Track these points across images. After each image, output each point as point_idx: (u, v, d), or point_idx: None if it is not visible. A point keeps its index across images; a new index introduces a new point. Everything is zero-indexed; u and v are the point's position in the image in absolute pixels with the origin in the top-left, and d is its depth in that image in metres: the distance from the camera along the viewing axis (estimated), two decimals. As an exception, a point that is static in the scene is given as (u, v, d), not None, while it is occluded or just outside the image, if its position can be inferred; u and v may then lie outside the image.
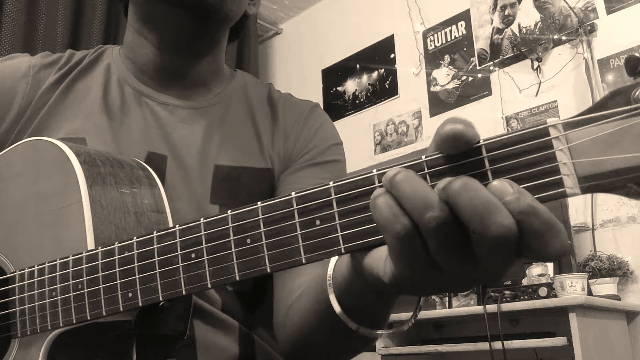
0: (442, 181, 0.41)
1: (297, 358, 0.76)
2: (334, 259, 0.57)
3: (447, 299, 2.48)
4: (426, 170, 0.44)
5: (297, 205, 0.48)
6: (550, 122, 0.40)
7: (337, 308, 0.56)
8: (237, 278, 0.50)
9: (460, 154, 0.42)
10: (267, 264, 0.49)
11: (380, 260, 0.46)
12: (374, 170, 0.46)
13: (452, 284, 0.45)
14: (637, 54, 0.38)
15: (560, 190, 0.39)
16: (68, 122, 0.83)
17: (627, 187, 0.36)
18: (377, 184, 0.46)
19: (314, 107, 0.96)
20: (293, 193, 0.49)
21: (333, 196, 0.47)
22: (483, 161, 0.42)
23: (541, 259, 0.40)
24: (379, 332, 0.57)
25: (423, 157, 0.44)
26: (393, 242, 0.42)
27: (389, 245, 0.43)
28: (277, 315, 0.79)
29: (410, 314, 0.56)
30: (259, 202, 0.51)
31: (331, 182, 0.47)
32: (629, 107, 0.36)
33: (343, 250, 0.46)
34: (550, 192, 0.40)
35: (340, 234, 0.46)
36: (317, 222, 0.47)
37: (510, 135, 0.41)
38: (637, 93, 0.36)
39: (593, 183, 0.38)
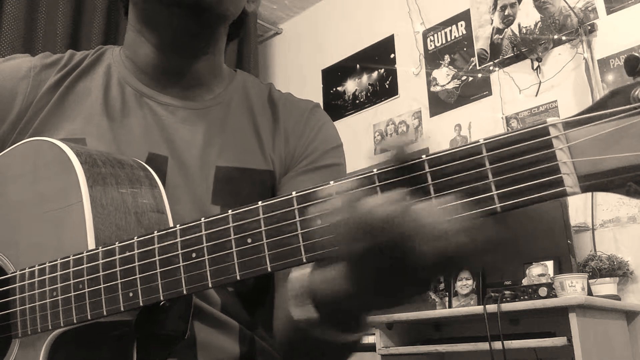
0: (389, 205, 0.43)
1: None
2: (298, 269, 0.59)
3: (447, 299, 2.48)
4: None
5: (297, 205, 0.49)
6: (550, 122, 0.40)
7: (295, 314, 0.59)
8: (238, 277, 0.51)
9: (406, 168, 0.46)
10: (268, 263, 0.49)
11: (328, 277, 0.50)
12: (375, 170, 0.46)
13: (397, 298, 0.50)
14: (636, 54, 0.39)
15: (560, 189, 0.40)
16: (69, 122, 0.83)
17: (626, 185, 0.36)
18: (377, 183, 0.46)
19: (315, 108, 0.96)
20: (294, 192, 0.49)
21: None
22: (483, 160, 0.43)
23: (476, 268, 0.45)
24: (343, 339, 0.59)
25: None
26: (346, 259, 0.46)
27: (343, 263, 0.47)
28: (276, 322, 0.80)
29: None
30: (259, 202, 0.51)
31: (332, 182, 0.47)
32: (628, 106, 0.36)
33: None
34: (550, 191, 0.40)
35: None
36: (319, 222, 0.47)
37: (510, 135, 0.42)
38: (636, 92, 0.36)
39: (593, 182, 0.38)
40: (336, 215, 0.45)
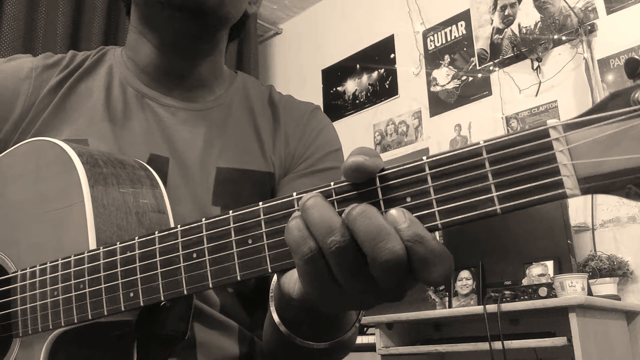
0: (347, 208, 0.45)
1: None
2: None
3: (447, 299, 2.49)
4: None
5: (298, 206, 0.49)
6: (550, 124, 0.40)
7: (275, 318, 0.61)
8: (239, 278, 0.51)
9: (360, 183, 0.47)
10: (269, 264, 0.49)
11: (292, 278, 0.50)
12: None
13: (355, 301, 0.49)
14: (637, 56, 0.39)
15: (560, 191, 0.40)
16: (71, 123, 0.84)
17: (626, 188, 0.37)
18: (378, 185, 0.46)
19: (315, 110, 0.96)
20: (294, 194, 0.49)
21: (334, 197, 0.48)
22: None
23: (428, 283, 0.45)
24: (317, 344, 0.61)
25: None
26: (300, 262, 0.46)
27: (297, 265, 0.47)
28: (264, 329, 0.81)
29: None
30: (260, 203, 0.51)
31: (332, 183, 0.48)
32: (628, 108, 0.37)
33: None
34: (550, 193, 0.40)
35: None
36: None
37: (510, 137, 0.42)
38: (636, 95, 0.36)
39: (593, 184, 0.38)
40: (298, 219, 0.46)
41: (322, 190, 0.48)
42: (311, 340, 0.61)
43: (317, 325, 0.61)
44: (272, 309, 0.61)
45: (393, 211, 0.44)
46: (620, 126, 0.37)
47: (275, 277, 0.60)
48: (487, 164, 0.42)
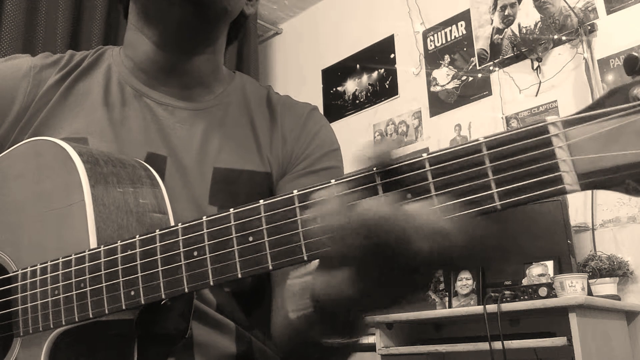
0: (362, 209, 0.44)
1: None
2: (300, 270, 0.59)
3: (447, 299, 2.49)
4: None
5: (298, 203, 0.49)
6: (549, 120, 0.40)
7: (292, 315, 0.59)
8: (239, 275, 0.51)
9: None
10: (269, 261, 0.50)
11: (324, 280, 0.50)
12: (374, 168, 0.46)
13: (391, 300, 0.50)
14: (635, 53, 0.39)
15: (559, 187, 0.40)
16: (69, 122, 0.84)
17: (625, 183, 0.37)
18: (378, 182, 0.46)
19: (312, 111, 0.96)
20: (295, 191, 0.49)
21: (334, 194, 0.48)
22: (483, 159, 0.43)
23: (455, 271, 0.45)
24: (330, 341, 0.60)
25: (425, 157, 0.46)
26: (346, 261, 0.47)
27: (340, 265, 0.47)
28: (274, 325, 0.80)
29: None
30: (261, 201, 0.51)
31: (333, 180, 0.48)
32: (627, 104, 0.37)
33: None
34: (549, 189, 0.40)
35: None
36: (319, 221, 0.48)
37: (510, 133, 0.42)
38: (635, 91, 0.36)
39: (592, 180, 0.39)
40: (332, 218, 0.46)
41: (362, 175, 0.48)
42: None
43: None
44: (291, 308, 0.60)
45: (420, 204, 0.44)
46: (619, 122, 0.37)
47: (296, 275, 0.59)
48: (487, 161, 0.42)
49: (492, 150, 0.42)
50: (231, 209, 0.52)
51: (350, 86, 3.72)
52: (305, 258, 0.48)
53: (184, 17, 0.84)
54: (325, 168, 0.90)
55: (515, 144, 0.42)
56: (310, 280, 0.53)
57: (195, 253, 0.54)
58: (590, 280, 2.27)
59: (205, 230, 0.53)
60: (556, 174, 0.40)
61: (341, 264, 0.47)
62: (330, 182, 0.48)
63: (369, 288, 0.47)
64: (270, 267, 0.50)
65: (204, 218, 0.54)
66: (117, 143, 0.82)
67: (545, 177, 0.40)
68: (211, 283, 0.52)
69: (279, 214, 0.50)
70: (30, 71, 0.87)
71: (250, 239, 0.51)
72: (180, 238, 0.55)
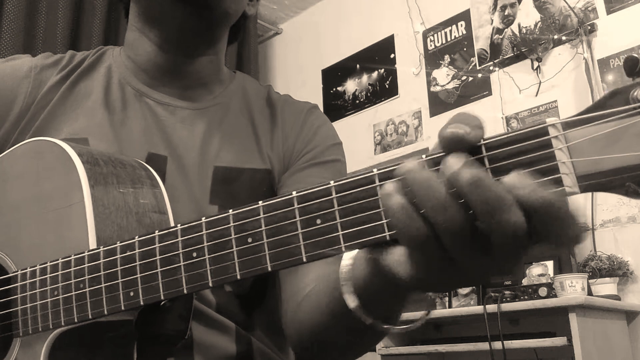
0: (452, 174, 0.41)
1: (310, 355, 0.77)
2: (347, 254, 0.56)
3: (447, 299, 2.49)
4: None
5: (297, 205, 0.49)
6: (549, 122, 0.40)
7: (351, 303, 0.55)
8: (238, 277, 0.51)
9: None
10: (268, 262, 0.50)
11: (399, 259, 0.46)
12: (374, 170, 0.46)
13: (470, 278, 0.46)
14: (635, 54, 0.39)
15: (559, 189, 0.40)
16: (70, 123, 0.84)
17: (625, 186, 0.37)
18: (377, 183, 0.46)
19: (313, 108, 0.97)
20: (294, 192, 0.49)
21: (334, 195, 0.48)
22: (483, 160, 0.43)
23: (557, 248, 0.42)
24: (393, 327, 0.56)
25: (424, 156, 0.45)
26: (409, 244, 0.43)
27: (406, 247, 0.44)
28: (286, 314, 0.80)
29: (421, 312, 0.57)
30: (260, 202, 0.51)
31: (332, 182, 0.48)
32: (627, 106, 0.37)
33: (344, 249, 0.47)
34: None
35: (340, 233, 0.47)
36: (318, 221, 0.48)
37: (509, 135, 0.42)
38: (635, 93, 0.36)
39: (592, 182, 0.38)
40: (431, 188, 0.41)
41: (433, 156, 0.44)
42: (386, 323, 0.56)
43: (393, 308, 0.58)
44: (346, 293, 0.55)
45: (510, 177, 0.40)
46: (620, 124, 0.37)
47: (345, 261, 0.56)
48: (486, 162, 0.42)
49: (491, 152, 0.42)
50: (230, 210, 0.52)
51: (350, 86, 3.72)
52: (305, 259, 0.48)
53: (186, 20, 0.84)
54: (330, 160, 0.90)
55: (515, 146, 0.41)
56: (364, 263, 0.50)
57: (195, 254, 0.54)
58: (590, 280, 2.27)
59: (204, 232, 0.53)
60: (556, 176, 0.40)
61: (443, 238, 0.43)
62: (329, 183, 0.48)
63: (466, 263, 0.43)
64: (269, 269, 0.49)
65: (203, 219, 0.54)
66: (117, 144, 0.82)
67: (545, 179, 0.40)
68: (210, 284, 0.52)
69: (278, 215, 0.50)
70: (31, 72, 0.87)
71: (249, 240, 0.50)
72: (179, 239, 0.55)
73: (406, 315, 0.60)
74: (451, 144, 0.42)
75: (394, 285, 0.48)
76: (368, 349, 0.73)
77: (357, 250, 0.54)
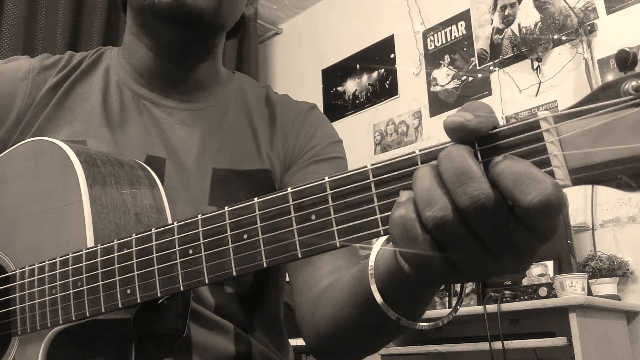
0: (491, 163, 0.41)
1: (329, 349, 0.76)
2: (375, 249, 0.56)
3: (447, 299, 2.48)
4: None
5: (292, 201, 0.49)
6: (541, 115, 0.40)
7: (379, 299, 0.54)
8: (234, 273, 0.51)
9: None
10: (264, 258, 0.50)
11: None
12: (368, 165, 0.46)
13: (504, 265, 0.45)
14: (627, 48, 0.39)
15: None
16: (69, 125, 0.84)
17: (617, 178, 0.37)
18: (371, 179, 0.46)
19: (311, 107, 0.97)
20: (289, 189, 0.49)
21: (328, 191, 0.48)
22: (476, 154, 0.43)
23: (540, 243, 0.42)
24: (421, 324, 0.56)
25: (417, 150, 0.45)
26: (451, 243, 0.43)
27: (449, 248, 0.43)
28: (301, 308, 0.79)
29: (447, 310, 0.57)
30: (255, 198, 0.51)
31: (326, 177, 0.48)
32: (618, 99, 0.37)
33: (338, 245, 0.47)
34: (541, 184, 0.40)
35: (335, 228, 0.47)
36: (313, 217, 0.48)
37: (501, 129, 0.42)
38: (627, 86, 0.36)
39: (584, 175, 0.38)
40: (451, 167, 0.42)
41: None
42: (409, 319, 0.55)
43: (418, 302, 0.58)
44: (374, 288, 0.54)
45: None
46: (611, 117, 0.37)
47: (374, 256, 0.55)
48: (479, 156, 0.42)
49: (483, 146, 0.42)
50: (226, 207, 0.52)
51: (350, 86, 3.72)
52: (300, 255, 0.48)
53: (180, 33, 0.84)
54: (332, 157, 0.90)
55: (507, 139, 0.42)
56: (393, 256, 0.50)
57: (191, 251, 0.54)
58: (590, 280, 2.26)
59: (200, 229, 0.53)
60: (548, 169, 0.40)
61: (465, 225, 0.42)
62: (323, 179, 0.48)
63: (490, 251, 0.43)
64: (265, 265, 0.50)
65: (200, 216, 0.54)
66: (116, 146, 0.82)
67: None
68: (206, 281, 0.52)
69: (273, 211, 0.50)
70: (29, 73, 0.87)
71: (245, 236, 0.51)
72: (175, 236, 0.55)
73: (429, 314, 0.60)
74: (454, 133, 0.43)
75: (419, 278, 0.48)
76: (388, 343, 0.74)
77: (381, 243, 0.53)
